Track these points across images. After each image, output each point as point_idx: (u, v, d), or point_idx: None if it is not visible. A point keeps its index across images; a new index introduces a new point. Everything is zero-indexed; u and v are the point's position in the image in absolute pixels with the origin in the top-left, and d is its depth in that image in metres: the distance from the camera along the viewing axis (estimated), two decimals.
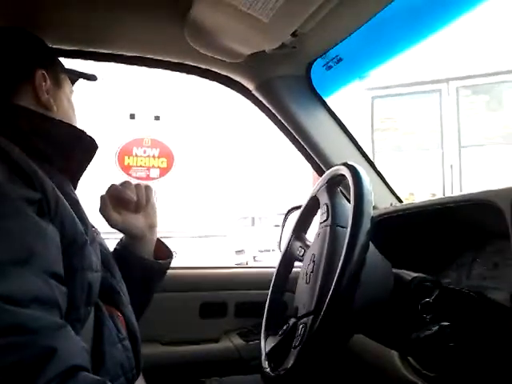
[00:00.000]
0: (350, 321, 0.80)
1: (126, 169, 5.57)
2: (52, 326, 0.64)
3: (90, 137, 0.96)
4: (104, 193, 1.05)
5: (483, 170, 6.94)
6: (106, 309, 0.93)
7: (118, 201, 1.05)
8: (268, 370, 0.91)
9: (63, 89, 1.00)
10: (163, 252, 1.16)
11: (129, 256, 1.08)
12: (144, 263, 1.10)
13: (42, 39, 1.01)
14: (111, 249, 1.09)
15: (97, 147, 0.97)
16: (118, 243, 1.13)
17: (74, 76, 1.08)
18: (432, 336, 0.83)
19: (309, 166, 1.59)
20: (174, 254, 1.19)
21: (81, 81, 1.13)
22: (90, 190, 1.05)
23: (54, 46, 1.17)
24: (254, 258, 7.72)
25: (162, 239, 1.19)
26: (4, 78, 0.92)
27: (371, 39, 1.28)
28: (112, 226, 1.05)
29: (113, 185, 1.05)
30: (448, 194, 6.73)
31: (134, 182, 1.10)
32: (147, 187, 1.09)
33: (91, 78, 1.11)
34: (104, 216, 1.03)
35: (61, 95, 0.98)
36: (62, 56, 1.08)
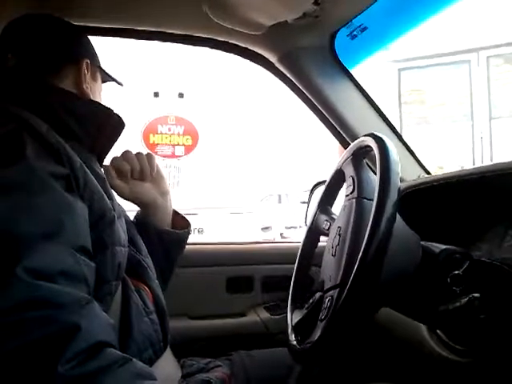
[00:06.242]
0: (376, 294, 0.79)
1: (152, 147, 5.58)
2: (79, 302, 0.64)
3: (118, 115, 0.97)
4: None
5: None
6: (132, 283, 0.94)
7: (121, 171, 1.06)
8: (295, 342, 0.91)
9: (98, 84, 1.05)
10: (181, 223, 1.17)
11: (145, 227, 1.10)
12: (160, 233, 1.11)
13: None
14: None
15: (124, 125, 0.99)
16: (135, 217, 1.14)
17: (106, 77, 1.10)
18: (461, 308, 0.82)
19: (335, 141, 1.56)
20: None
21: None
22: None
23: (79, 23, 1.17)
24: (281, 234, 7.74)
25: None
26: (49, 56, 0.95)
27: (397, 5, 1.24)
28: (121, 195, 1.05)
29: (114, 157, 1.06)
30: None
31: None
32: (149, 155, 1.10)
33: (119, 83, 1.15)
34: (111, 186, 1.04)
35: (95, 89, 1.02)
36: (86, 33, 1.09)
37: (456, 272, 0.85)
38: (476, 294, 0.83)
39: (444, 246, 0.88)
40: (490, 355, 0.96)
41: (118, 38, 1.40)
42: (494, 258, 0.94)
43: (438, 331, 1.09)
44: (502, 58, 7.26)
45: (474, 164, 7.05)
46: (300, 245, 1.11)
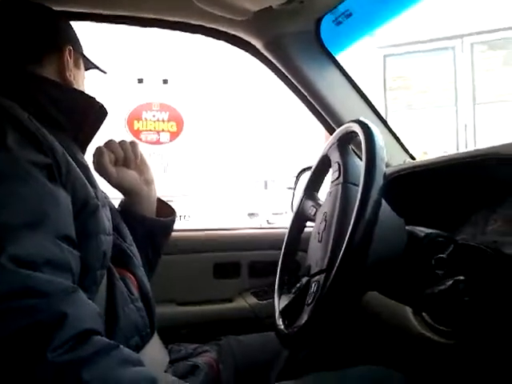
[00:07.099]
0: (362, 278, 0.80)
1: (136, 133, 5.53)
2: (64, 290, 0.64)
3: (101, 103, 0.96)
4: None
5: (498, 127, 6.81)
6: (117, 271, 0.94)
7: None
8: (282, 327, 0.92)
9: (81, 71, 1.03)
10: (166, 212, 1.17)
11: (130, 215, 1.09)
12: (145, 221, 1.11)
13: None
14: None
15: (107, 114, 0.98)
16: (119, 205, 1.14)
17: (90, 64, 1.09)
18: (446, 291, 0.83)
19: (321, 127, 1.57)
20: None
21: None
22: None
23: (60, 9, 1.15)
24: (268, 221, 7.74)
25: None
26: (30, 44, 0.93)
27: None
28: (108, 180, 1.05)
29: (98, 147, 1.05)
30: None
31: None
32: (132, 143, 1.10)
33: (102, 70, 1.13)
34: (101, 171, 1.03)
35: (78, 77, 1.01)
36: (68, 19, 1.07)
37: (440, 255, 0.86)
38: (461, 277, 0.84)
39: (428, 230, 0.89)
40: (473, 337, 0.98)
41: (101, 24, 1.38)
42: (478, 242, 0.95)
43: (423, 314, 1.11)
44: (486, 44, 7.29)
45: (457, 149, 7.09)
46: (286, 230, 1.12)
